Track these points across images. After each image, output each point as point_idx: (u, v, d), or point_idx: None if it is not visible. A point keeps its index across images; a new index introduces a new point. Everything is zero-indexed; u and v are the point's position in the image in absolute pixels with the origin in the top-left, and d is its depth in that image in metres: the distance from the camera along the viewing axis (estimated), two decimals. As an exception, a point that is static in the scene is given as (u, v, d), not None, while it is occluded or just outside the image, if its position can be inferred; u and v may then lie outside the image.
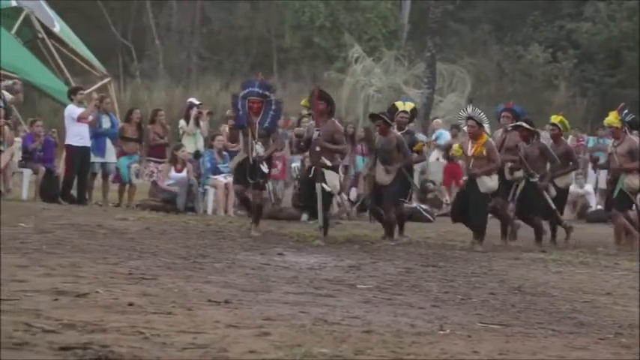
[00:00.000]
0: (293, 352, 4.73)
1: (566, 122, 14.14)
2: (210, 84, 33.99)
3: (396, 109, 13.34)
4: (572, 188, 20.31)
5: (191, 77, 36.15)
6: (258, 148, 12.05)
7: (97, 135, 16.16)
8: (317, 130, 11.87)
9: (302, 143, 12.45)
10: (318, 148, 11.84)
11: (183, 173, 15.79)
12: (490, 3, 37.84)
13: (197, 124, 16.94)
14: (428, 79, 29.11)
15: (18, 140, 16.85)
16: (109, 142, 16.43)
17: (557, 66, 33.83)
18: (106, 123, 16.45)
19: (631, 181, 13.03)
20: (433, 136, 21.81)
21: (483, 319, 6.47)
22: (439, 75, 30.47)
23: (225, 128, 17.52)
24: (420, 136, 21.11)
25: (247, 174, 12.19)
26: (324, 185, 11.72)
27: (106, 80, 24.47)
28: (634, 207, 13.33)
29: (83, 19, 34.84)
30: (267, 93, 12.26)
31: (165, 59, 37.23)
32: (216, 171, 16.34)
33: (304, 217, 11.86)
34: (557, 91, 33.64)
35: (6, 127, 15.70)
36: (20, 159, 16.26)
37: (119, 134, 16.67)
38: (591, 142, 21.65)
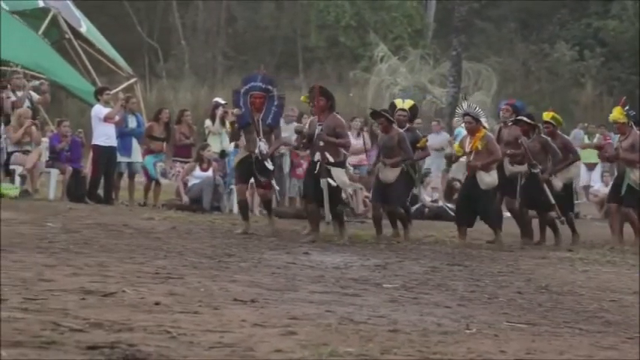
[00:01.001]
0: (319, 352, 4.73)
1: (559, 117, 13.95)
2: (235, 84, 33.97)
3: (396, 107, 13.19)
4: (598, 187, 20.25)
5: (216, 77, 36.20)
6: (262, 146, 11.88)
7: (124, 135, 16.22)
8: (319, 125, 11.78)
9: (305, 140, 12.17)
10: (321, 143, 11.71)
11: (209, 172, 15.82)
12: (516, 1, 37.70)
13: (223, 123, 16.94)
14: (453, 77, 29.06)
15: (45, 140, 16.92)
16: (135, 141, 16.48)
17: (583, 64, 33.67)
18: (132, 123, 16.50)
19: (634, 174, 12.96)
20: (454, 134, 21.71)
21: (510, 318, 6.45)
22: (465, 74, 30.41)
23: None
24: (443, 135, 21.13)
25: (249, 172, 12.08)
26: (329, 181, 11.63)
27: (132, 80, 24.61)
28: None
29: (109, 19, 34.98)
30: (269, 87, 12.07)
31: (191, 59, 37.31)
32: (241, 170, 16.34)
33: (328, 217, 11.77)
34: (584, 90, 33.47)
35: (33, 128, 15.78)
36: (47, 159, 16.31)
37: (146, 133, 16.73)
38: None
